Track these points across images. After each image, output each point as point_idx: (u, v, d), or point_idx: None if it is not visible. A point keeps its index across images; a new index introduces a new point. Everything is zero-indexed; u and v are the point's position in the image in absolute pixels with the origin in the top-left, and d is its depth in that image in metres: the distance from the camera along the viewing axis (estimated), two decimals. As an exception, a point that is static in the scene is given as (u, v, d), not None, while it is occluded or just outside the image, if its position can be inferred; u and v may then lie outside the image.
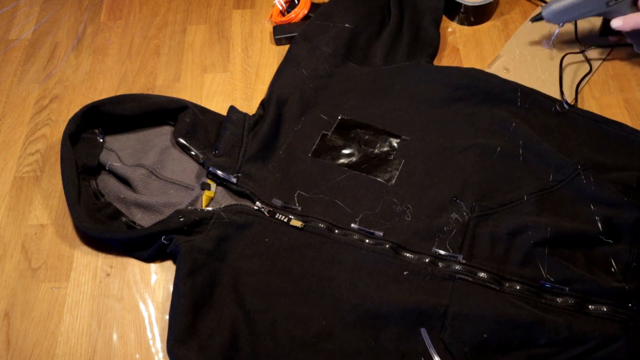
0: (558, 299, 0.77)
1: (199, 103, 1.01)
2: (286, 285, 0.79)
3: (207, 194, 0.87)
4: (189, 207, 0.85)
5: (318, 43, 1.00)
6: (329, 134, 0.92)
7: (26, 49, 1.11)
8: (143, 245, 0.85)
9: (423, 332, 0.75)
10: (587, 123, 0.91)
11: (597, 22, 1.02)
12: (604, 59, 1.02)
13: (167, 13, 1.15)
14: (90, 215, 0.84)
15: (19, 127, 1.01)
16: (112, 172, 0.91)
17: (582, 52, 1.01)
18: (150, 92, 1.05)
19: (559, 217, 0.81)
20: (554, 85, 0.98)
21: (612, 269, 0.79)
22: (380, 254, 0.80)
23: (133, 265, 0.87)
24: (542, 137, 0.88)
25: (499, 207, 0.83)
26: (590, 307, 0.76)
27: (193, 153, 0.91)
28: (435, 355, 0.74)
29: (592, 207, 0.82)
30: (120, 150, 0.93)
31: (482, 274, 0.78)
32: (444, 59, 1.06)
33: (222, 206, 0.86)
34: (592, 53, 1.02)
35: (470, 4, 1.05)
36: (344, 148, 0.91)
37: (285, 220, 0.84)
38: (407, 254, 0.81)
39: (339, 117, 0.94)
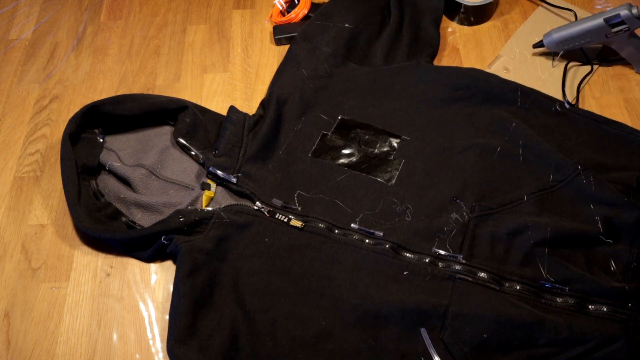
0: (558, 299, 0.77)
1: (199, 103, 1.01)
2: (286, 285, 0.79)
3: (207, 194, 0.87)
4: (189, 207, 0.85)
5: (318, 43, 1.00)
6: (329, 134, 0.92)
7: (26, 49, 1.11)
8: (143, 245, 0.85)
9: (423, 332, 0.75)
10: (587, 123, 0.91)
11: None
12: (605, 60, 1.02)
13: (167, 13, 1.15)
14: (90, 215, 0.84)
15: (19, 127, 1.01)
16: (112, 172, 0.91)
17: (585, 63, 1.01)
18: (150, 92, 1.05)
19: (559, 217, 0.81)
20: (554, 85, 0.98)
21: (612, 269, 0.79)
22: (380, 254, 0.80)
23: (133, 265, 0.87)
24: (542, 137, 0.88)
25: (499, 207, 0.83)
26: (590, 307, 0.76)
27: (193, 153, 0.91)
28: (435, 355, 0.74)
29: (592, 207, 0.82)
30: (120, 150, 0.93)
31: (482, 274, 0.78)
32: (444, 59, 1.06)
33: (222, 206, 0.86)
34: (593, 54, 1.02)
35: (470, 4, 1.05)
36: (344, 148, 0.91)
37: (285, 220, 0.84)
38: (407, 254, 0.81)
39: (339, 117, 0.94)
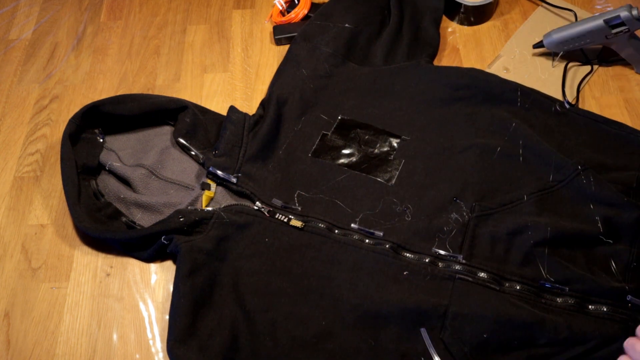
0: (558, 299, 0.77)
1: (199, 103, 1.01)
2: (286, 285, 0.79)
3: (207, 194, 0.87)
4: (189, 207, 0.85)
5: (318, 43, 1.00)
6: (329, 134, 0.92)
7: (26, 49, 1.11)
8: (143, 245, 0.85)
9: (423, 332, 0.75)
10: (587, 123, 0.91)
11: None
12: (605, 61, 1.02)
13: (167, 13, 1.15)
14: (90, 215, 0.84)
15: (19, 127, 1.01)
16: (112, 172, 0.91)
17: (585, 63, 1.01)
18: (150, 92, 1.05)
19: (559, 217, 0.81)
20: (554, 85, 0.98)
21: (612, 269, 0.79)
22: (380, 254, 0.80)
23: (133, 265, 0.87)
24: (542, 137, 0.88)
25: (499, 207, 0.83)
26: (590, 307, 0.76)
27: (193, 153, 0.91)
28: (435, 355, 0.74)
29: (592, 207, 0.82)
30: (120, 150, 0.93)
31: (482, 274, 0.78)
32: (444, 59, 1.06)
33: (222, 206, 0.86)
34: (593, 54, 1.02)
35: (470, 4, 1.05)
36: (344, 148, 0.91)
37: (285, 220, 0.84)
38: (407, 254, 0.81)
39: (339, 117, 0.94)
